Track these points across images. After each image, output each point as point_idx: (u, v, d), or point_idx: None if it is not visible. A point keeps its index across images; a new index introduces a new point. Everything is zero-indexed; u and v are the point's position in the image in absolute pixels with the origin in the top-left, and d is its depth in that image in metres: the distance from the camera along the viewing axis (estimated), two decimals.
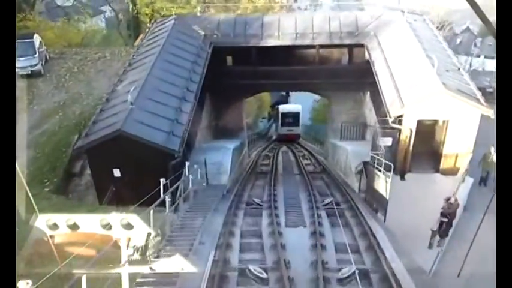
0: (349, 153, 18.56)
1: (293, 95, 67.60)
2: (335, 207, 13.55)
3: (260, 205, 14.40)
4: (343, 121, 24.91)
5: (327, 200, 14.43)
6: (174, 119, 15.51)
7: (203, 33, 21.78)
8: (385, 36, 20.80)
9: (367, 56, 22.81)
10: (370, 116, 22.57)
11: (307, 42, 22.19)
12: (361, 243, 10.63)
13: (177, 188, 13.06)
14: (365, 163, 15.98)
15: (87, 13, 33.17)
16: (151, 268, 5.53)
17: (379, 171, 13.68)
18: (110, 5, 36.07)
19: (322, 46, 22.63)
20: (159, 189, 10.88)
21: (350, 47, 23.23)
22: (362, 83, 23.06)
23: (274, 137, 51.61)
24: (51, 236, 4.60)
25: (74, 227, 4.58)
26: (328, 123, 27.02)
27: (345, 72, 23.37)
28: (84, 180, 17.16)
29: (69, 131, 18.48)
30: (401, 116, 16.29)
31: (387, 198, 12.59)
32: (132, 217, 4.67)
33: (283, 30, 22.19)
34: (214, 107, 24.40)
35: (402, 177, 16.92)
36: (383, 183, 13.07)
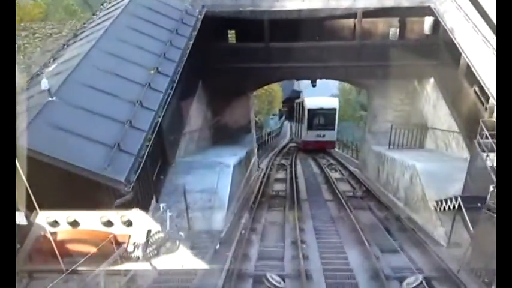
0: (420, 175, 11.54)
1: (304, 86, 60.07)
2: None
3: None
4: (390, 121, 17.99)
5: (411, 282, 7.44)
6: (127, 122, 8.68)
7: None
8: None
9: (427, 28, 15.87)
10: (435, 114, 15.56)
11: (345, 4, 15.12)
12: None
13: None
14: (465, 200, 8.98)
15: None
16: (152, 265, 4.39)
17: None
18: None
19: (366, 13, 15.54)
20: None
21: (404, 14, 16.14)
22: (420, 67, 16.15)
23: (289, 139, 44.53)
24: (52, 233, 4.03)
25: (74, 224, 4.05)
26: (367, 124, 19.99)
27: (394, 50, 16.24)
28: None
29: None
30: None
31: None
32: (132, 214, 4.09)
33: None
34: (210, 102, 17.48)
35: None
36: None
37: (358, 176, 18.80)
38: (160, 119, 9.62)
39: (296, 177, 18.83)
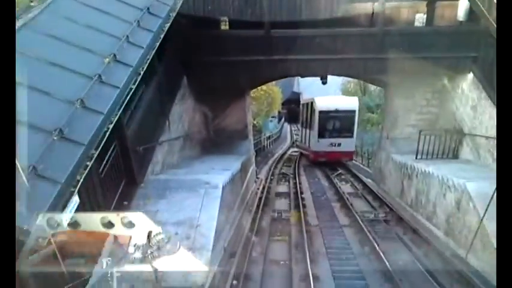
0: (474, 199, 8.59)
1: (304, 87, 56.73)
2: None
3: None
4: (413, 125, 15.16)
5: None
6: (56, 131, 5.69)
7: None
8: None
9: (461, 13, 13.10)
10: (476, 117, 12.59)
11: None
12: None
13: None
14: None
15: None
16: (152, 266, 4.29)
17: None
18: None
19: None
20: None
21: None
22: (454, 60, 13.28)
23: (289, 143, 41.49)
24: (53, 235, 3.92)
25: (75, 225, 4.01)
26: (384, 128, 17.00)
27: (420, 40, 13.37)
28: None
29: None
30: None
31: None
32: (133, 215, 4.12)
33: None
34: (197, 103, 14.56)
35: None
36: None
37: (375, 190, 15.81)
38: (112, 126, 6.61)
39: (301, 192, 15.84)
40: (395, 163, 14.87)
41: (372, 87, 42.70)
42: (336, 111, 21.40)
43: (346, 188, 17.01)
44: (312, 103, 22.63)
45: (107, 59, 7.48)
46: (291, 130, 51.52)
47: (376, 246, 9.51)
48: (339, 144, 21.73)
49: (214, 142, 15.10)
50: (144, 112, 9.62)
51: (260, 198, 14.80)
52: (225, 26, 13.52)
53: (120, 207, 8.35)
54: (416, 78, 14.44)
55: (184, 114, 13.08)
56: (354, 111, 21.55)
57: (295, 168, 22.42)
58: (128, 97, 7.31)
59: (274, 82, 39.79)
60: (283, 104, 55.23)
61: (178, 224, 8.06)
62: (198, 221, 8.19)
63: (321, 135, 21.68)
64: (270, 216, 12.75)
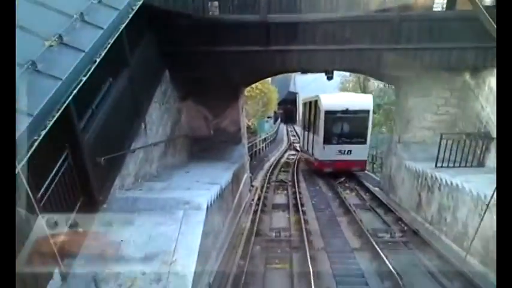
0: None
1: (300, 86, 54.79)
2: None
3: None
4: (428, 127, 13.41)
5: None
6: None
7: None
8: None
9: None
10: None
11: None
12: None
13: None
14: None
15: None
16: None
17: None
18: None
19: None
20: None
21: None
22: (479, 51, 11.52)
23: (286, 146, 39.58)
24: (52, 235, 4.12)
25: (74, 225, 4.23)
26: (396, 131, 15.16)
27: (440, 27, 11.52)
28: None
29: None
30: None
31: None
32: (132, 216, 4.37)
33: None
34: (183, 101, 12.62)
35: None
36: None
37: (385, 202, 13.95)
38: (46, 131, 4.67)
39: (302, 204, 13.95)
40: (409, 171, 13.02)
41: (372, 86, 40.98)
42: (346, 111, 17.83)
43: (351, 198, 15.13)
44: (316, 102, 19.23)
45: (49, 42, 5.54)
46: (287, 131, 49.67)
47: (399, 280, 7.63)
48: (349, 152, 18.19)
49: (203, 147, 13.19)
50: (110, 113, 7.65)
51: (255, 212, 12.91)
52: (214, 11, 11.64)
53: (75, 233, 6.44)
54: (434, 73, 12.71)
55: (166, 114, 11.14)
56: (367, 112, 17.99)
57: (293, 174, 20.56)
58: (75, 92, 5.38)
59: (269, 80, 37.98)
60: (279, 104, 53.52)
61: (147, 259, 6.11)
62: (173, 255, 6.25)
63: (327, 140, 18.12)
64: (267, 237, 10.83)
